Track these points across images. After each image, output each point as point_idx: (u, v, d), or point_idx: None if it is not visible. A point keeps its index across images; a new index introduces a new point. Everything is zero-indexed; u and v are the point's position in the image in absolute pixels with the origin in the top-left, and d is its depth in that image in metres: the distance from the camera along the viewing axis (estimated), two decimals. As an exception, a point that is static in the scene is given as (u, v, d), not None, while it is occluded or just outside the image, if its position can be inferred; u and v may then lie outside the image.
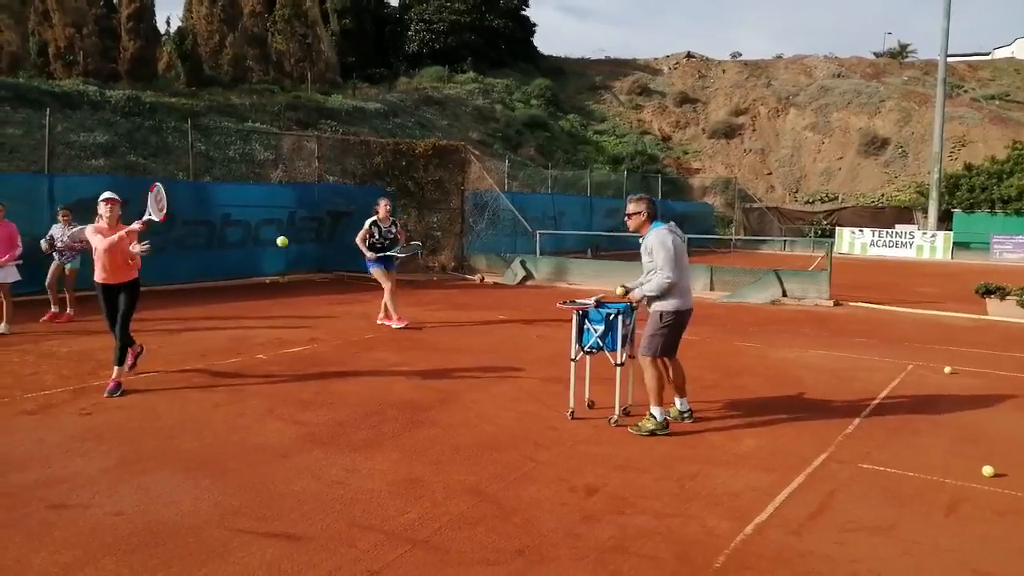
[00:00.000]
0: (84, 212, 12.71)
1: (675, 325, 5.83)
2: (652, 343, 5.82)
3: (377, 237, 10.37)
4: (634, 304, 6.08)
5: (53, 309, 10.44)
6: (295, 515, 4.20)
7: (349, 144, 19.73)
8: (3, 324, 9.43)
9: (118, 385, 6.65)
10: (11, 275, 9.59)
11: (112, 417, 5.99)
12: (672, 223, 5.96)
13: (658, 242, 5.76)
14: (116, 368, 6.73)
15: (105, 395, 6.56)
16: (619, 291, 5.93)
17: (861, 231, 31.53)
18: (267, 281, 15.79)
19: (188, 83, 25.89)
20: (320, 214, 17.23)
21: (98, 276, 6.86)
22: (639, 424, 5.82)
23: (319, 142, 19.25)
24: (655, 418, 5.77)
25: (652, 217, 5.93)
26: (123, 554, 3.71)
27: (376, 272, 10.40)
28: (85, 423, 5.83)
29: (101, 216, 7.02)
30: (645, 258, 5.89)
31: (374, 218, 10.40)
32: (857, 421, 6.26)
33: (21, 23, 24.82)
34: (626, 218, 6.06)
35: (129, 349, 6.96)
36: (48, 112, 13.71)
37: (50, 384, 6.97)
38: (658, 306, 5.85)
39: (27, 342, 8.91)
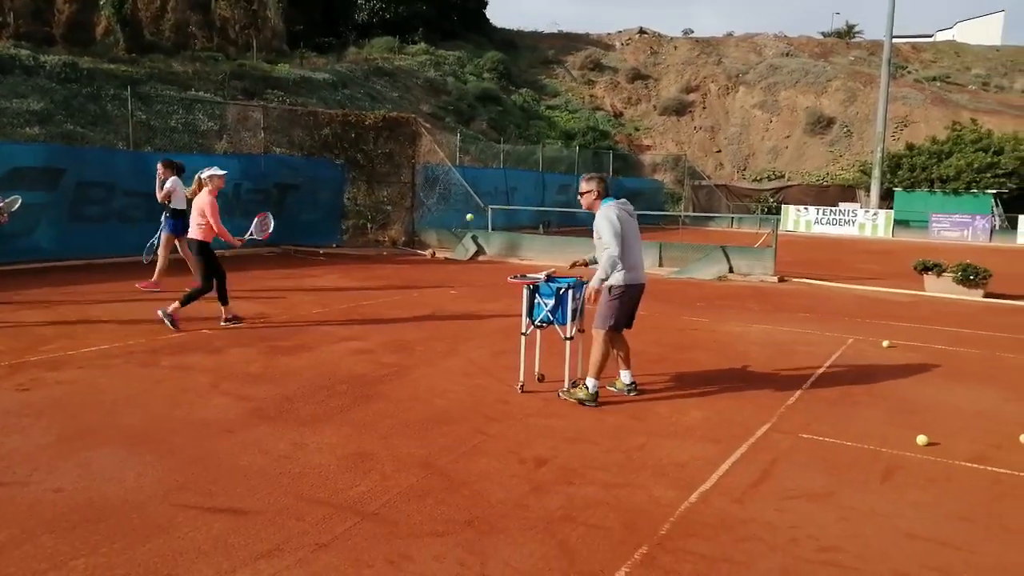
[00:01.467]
0: (18, 181, 12.27)
1: (625, 298, 5.89)
2: (602, 316, 5.89)
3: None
4: (583, 278, 6.13)
5: None
6: (241, 490, 4.16)
7: (296, 115, 19.34)
8: None
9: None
10: None
11: (51, 392, 5.83)
12: (623, 200, 6.02)
13: (603, 219, 5.82)
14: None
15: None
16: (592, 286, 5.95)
17: (806, 209, 32.21)
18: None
19: (128, 49, 24.95)
20: (266, 186, 16.89)
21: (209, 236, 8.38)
22: (570, 390, 5.92)
23: (265, 112, 18.83)
24: (587, 389, 5.87)
25: (603, 195, 5.98)
26: (63, 531, 3.63)
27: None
28: (22, 398, 5.66)
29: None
30: (595, 238, 5.94)
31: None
32: (799, 393, 6.44)
33: (-53, -18, 23.60)
34: (578, 196, 6.15)
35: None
36: (-23, 76, 13.12)
37: (-16, 359, 6.74)
38: (608, 280, 5.91)
39: (-41, 316, 8.59)
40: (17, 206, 9.61)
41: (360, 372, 6.73)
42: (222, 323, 8.56)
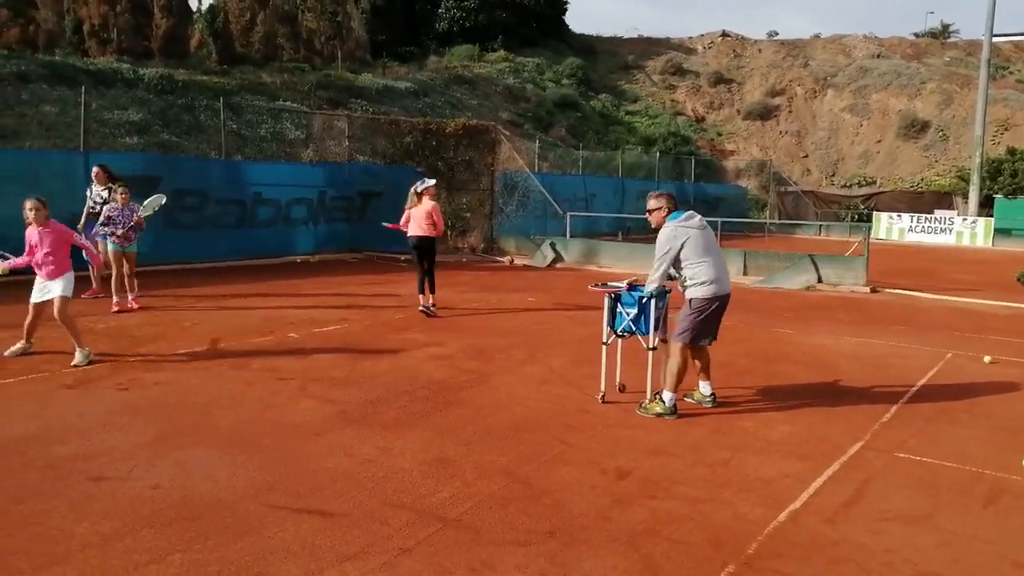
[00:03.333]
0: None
1: (708, 312, 5.76)
2: (683, 328, 5.78)
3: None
4: (667, 287, 6.05)
5: (116, 299, 9.69)
6: (328, 492, 4.25)
7: (379, 124, 19.74)
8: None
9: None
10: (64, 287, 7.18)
11: (149, 393, 6.09)
12: (690, 212, 5.91)
13: (664, 238, 5.79)
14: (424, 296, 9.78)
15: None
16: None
17: (899, 216, 30.94)
18: (298, 260, 15.91)
19: (219, 61, 26.03)
20: (350, 194, 17.29)
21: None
22: (646, 405, 5.81)
23: (349, 121, 19.28)
24: (664, 403, 5.76)
25: (671, 211, 5.90)
26: (161, 527, 3.77)
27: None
28: (123, 398, 5.93)
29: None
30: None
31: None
32: (893, 409, 6.17)
33: (57, 1, 25.10)
34: (647, 215, 6.06)
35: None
36: (83, 90, 13.86)
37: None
38: (689, 292, 5.81)
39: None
40: (163, 202, 9.98)
41: (441, 378, 6.79)
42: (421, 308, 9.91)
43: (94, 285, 10.49)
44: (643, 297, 5.89)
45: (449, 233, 19.15)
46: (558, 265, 17.09)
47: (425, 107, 28.40)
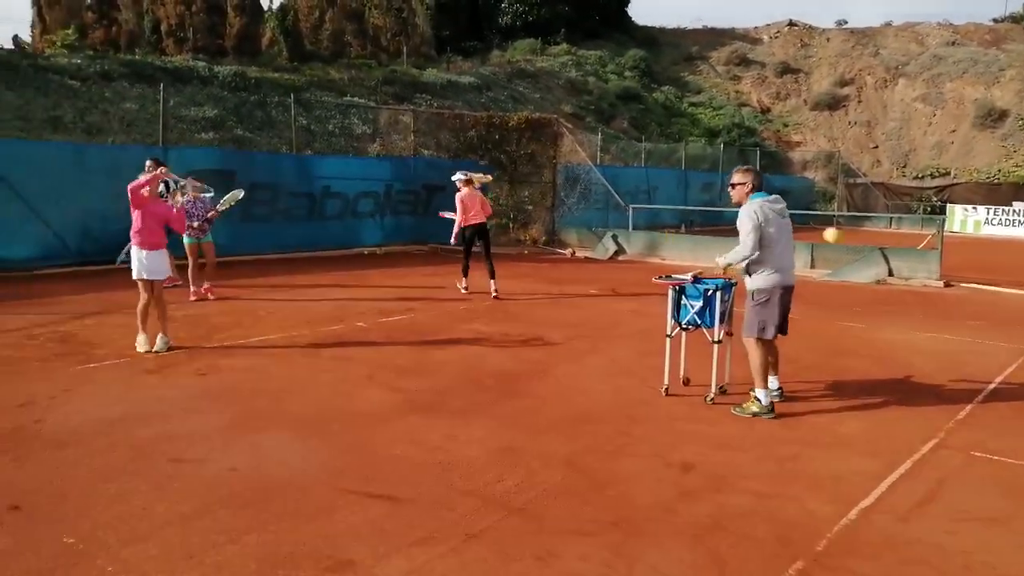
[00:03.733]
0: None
1: (770, 302, 5.65)
2: (749, 322, 5.70)
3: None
4: (732, 279, 5.97)
5: (193, 288, 9.94)
6: (396, 478, 4.35)
7: (443, 118, 19.92)
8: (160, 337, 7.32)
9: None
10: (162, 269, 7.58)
11: (225, 378, 6.32)
12: (776, 196, 5.77)
13: (744, 215, 5.63)
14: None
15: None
16: (719, 262, 5.82)
17: (974, 208, 29.76)
18: (365, 252, 16.20)
19: (290, 58, 26.64)
20: (415, 187, 17.50)
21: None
22: (743, 405, 5.71)
23: (414, 116, 19.51)
24: (759, 401, 5.64)
25: (755, 189, 5.75)
26: (236, 507, 3.92)
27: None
28: (201, 383, 6.17)
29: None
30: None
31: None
32: (969, 407, 5.98)
33: (137, 2, 26.05)
34: (729, 188, 5.91)
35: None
36: (162, 87, 14.37)
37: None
38: (750, 283, 5.72)
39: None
40: (240, 197, 10.04)
41: (505, 368, 6.86)
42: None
43: (170, 272, 10.75)
44: (708, 289, 5.83)
45: (511, 225, 19.26)
46: (620, 257, 17.00)
47: (488, 101, 28.52)
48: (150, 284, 7.24)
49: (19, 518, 3.74)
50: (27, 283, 10.83)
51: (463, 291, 10.96)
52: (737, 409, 5.70)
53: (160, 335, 7.19)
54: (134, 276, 7.21)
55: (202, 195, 9.75)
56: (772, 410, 5.63)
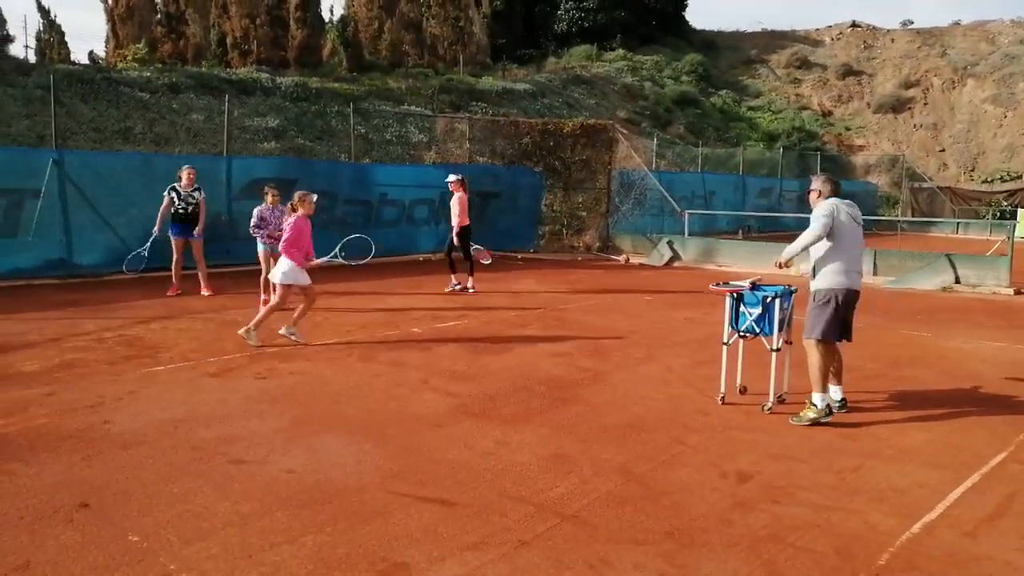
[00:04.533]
0: (258, 191, 13.73)
1: (832, 305, 5.54)
2: (809, 324, 5.60)
3: (177, 203, 10.54)
4: (792, 287, 5.86)
5: (264, 296, 9.55)
6: (449, 482, 4.38)
7: (499, 125, 20.02)
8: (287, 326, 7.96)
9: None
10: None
11: (284, 382, 6.45)
12: (849, 202, 5.73)
13: (817, 211, 5.61)
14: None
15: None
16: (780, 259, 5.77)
17: (1049, 213, 28.58)
18: (420, 259, 16.37)
19: (350, 69, 27.14)
20: (470, 195, 17.60)
21: None
22: (800, 414, 5.58)
23: (470, 124, 19.66)
24: (815, 406, 5.53)
25: (830, 195, 5.73)
26: (295, 508, 4.00)
27: (176, 240, 10.62)
28: (261, 386, 6.31)
29: None
30: None
31: (174, 184, 10.58)
32: (1043, 420, 5.74)
33: (204, 16, 26.89)
34: (807, 193, 5.97)
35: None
36: (227, 99, 14.79)
37: (230, 350, 7.58)
38: (814, 283, 5.65)
39: (211, 311, 9.71)
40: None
41: (557, 375, 6.85)
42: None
43: (174, 282, 10.76)
44: (767, 296, 5.74)
45: (565, 232, 19.24)
46: (675, 264, 16.82)
47: (543, 108, 28.59)
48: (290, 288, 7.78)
49: (88, 515, 3.88)
50: (97, 288, 11.25)
51: (472, 290, 11.76)
52: (795, 419, 5.57)
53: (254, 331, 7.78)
54: (280, 281, 7.68)
55: (280, 205, 9.57)
56: (831, 413, 5.53)
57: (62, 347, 7.56)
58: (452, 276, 12.00)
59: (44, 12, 27.33)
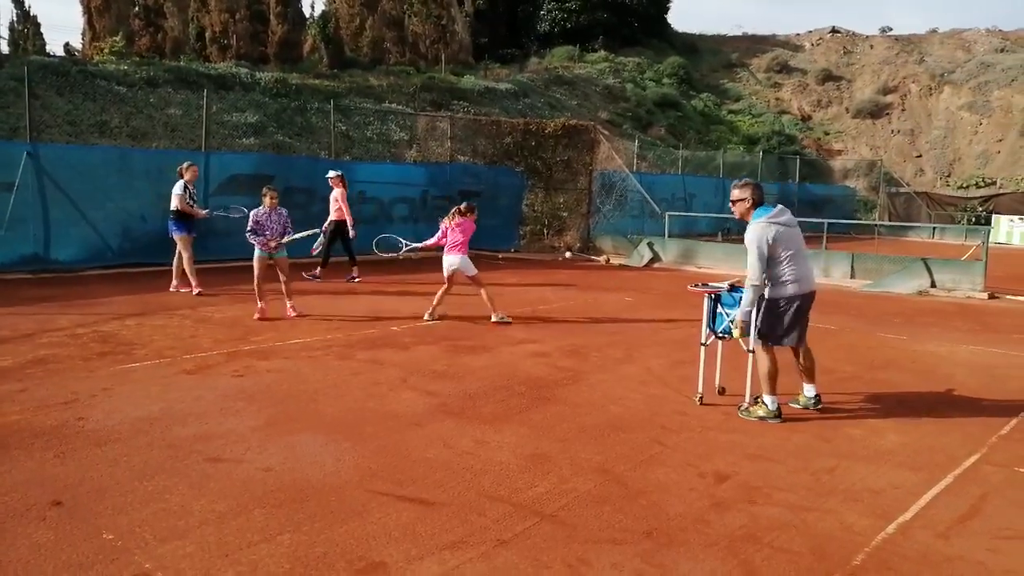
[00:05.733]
0: (236, 187, 13.62)
1: (785, 311, 5.60)
2: (759, 330, 5.65)
3: (189, 199, 10.56)
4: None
5: (260, 305, 9.08)
6: (428, 482, 4.36)
7: (480, 124, 20.00)
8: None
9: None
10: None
11: (262, 379, 6.40)
12: (779, 207, 5.70)
13: (749, 240, 5.56)
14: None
15: None
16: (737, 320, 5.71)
17: (1021, 219, 29.06)
18: (400, 257, 16.27)
19: (330, 65, 26.93)
20: (451, 193, 17.55)
21: None
22: (749, 408, 5.70)
23: (452, 122, 19.61)
24: (766, 405, 5.63)
25: (756, 204, 5.68)
26: (271, 507, 3.97)
27: (181, 236, 10.46)
28: (238, 384, 6.25)
29: None
30: None
31: (183, 181, 10.55)
32: (1014, 422, 5.83)
33: (183, 10, 26.58)
34: (731, 205, 5.85)
35: None
36: (205, 93, 14.64)
37: (206, 347, 7.51)
38: (768, 291, 5.65)
39: (186, 307, 9.62)
40: (316, 234, 10.58)
41: (537, 374, 6.85)
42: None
43: (175, 279, 10.62)
44: (748, 308, 5.76)
45: (546, 232, 19.25)
46: (655, 265, 16.90)
47: (525, 108, 28.58)
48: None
49: (60, 513, 3.82)
50: (72, 284, 11.10)
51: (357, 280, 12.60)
52: (743, 412, 5.70)
53: (494, 313, 9.33)
54: (447, 273, 9.27)
55: (279, 209, 9.06)
56: (779, 415, 5.61)
57: (35, 343, 7.45)
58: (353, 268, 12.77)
59: (18, 2, 26.85)
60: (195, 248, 10.65)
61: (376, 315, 9.60)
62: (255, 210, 9.01)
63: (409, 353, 7.56)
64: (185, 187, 10.49)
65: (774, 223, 5.56)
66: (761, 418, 5.62)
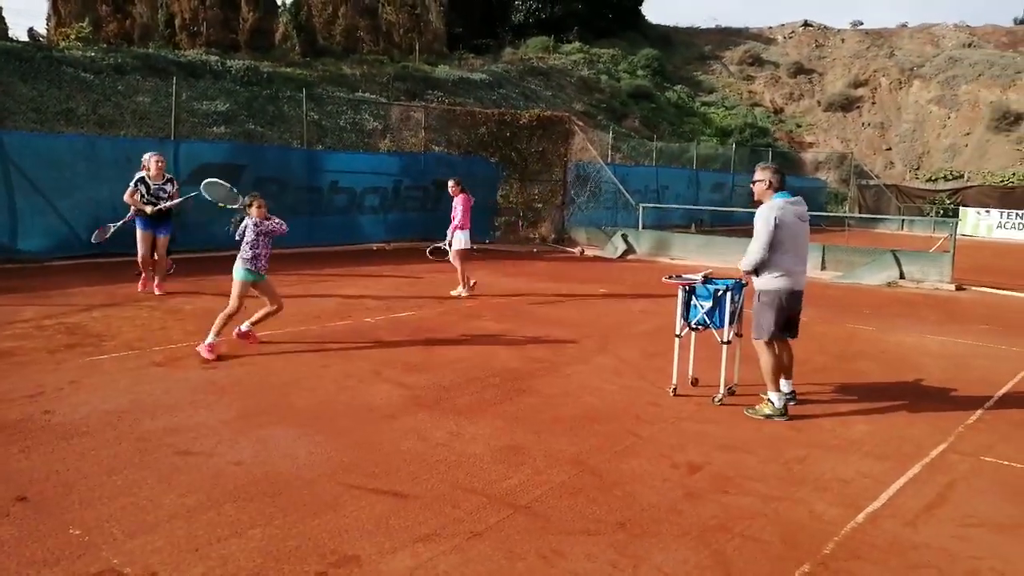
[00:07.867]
0: (204, 176, 13.42)
1: (776, 305, 5.59)
2: (756, 325, 5.67)
3: (145, 195, 9.68)
4: (743, 280, 5.94)
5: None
6: (402, 474, 4.34)
7: (455, 115, 19.90)
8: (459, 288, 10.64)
9: None
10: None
11: (232, 372, 6.33)
12: (798, 198, 5.71)
13: (760, 217, 5.57)
14: None
15: None
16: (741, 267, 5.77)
17: (988, 211, 29.58)
18: (374, 248, 16.20)
19: (303, 53, 26.62)
20: (426, 183, 17.51)
21: None
22: (755, 407, 5.68)
23: (426, 112, 19.50)
24: (772, 403, 5.61)
25: (775, 188, 5.70)
26: (243, 501, 3.93)
27: (141, 233, 9.69)
28: (208, 376, 6.18)
29: None
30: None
31: (142, 174, 9.74)
32: (979, 412, 5.93)
33: (152, -5, 26.08)
34: (751, 184, 5.88)
35: None
36: (174, 81, 14.40)
37: (176, 339, 7.41)
38: (757, 283, 5.68)
39: (156, 299, 9.47)
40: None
41: (512, 366, 6.84)
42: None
43: (144, 276, 9.98)
44: (718, 290, 5.80)
45: (520, 223, 19.24)
46: (629, 257, 16.96)
47: (500, 98, 28.49)
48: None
49: (25, 509, 3.75)
50: (38, 274, 10.88)
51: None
52: (749, 411, 5.66)
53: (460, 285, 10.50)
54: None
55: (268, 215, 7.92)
56: (785, 413, 5.59)
57: (-1, 335, 7.30)
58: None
59: (-19, -14, 26.21)
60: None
61: (350, 307, 9.53)
62: (248, 222, 7.62)
63: (383, 345, 7.51)
64: (142, 180, 9.77)
65: (785, 209, 5.56)
66: (768, 416, 5.56)
